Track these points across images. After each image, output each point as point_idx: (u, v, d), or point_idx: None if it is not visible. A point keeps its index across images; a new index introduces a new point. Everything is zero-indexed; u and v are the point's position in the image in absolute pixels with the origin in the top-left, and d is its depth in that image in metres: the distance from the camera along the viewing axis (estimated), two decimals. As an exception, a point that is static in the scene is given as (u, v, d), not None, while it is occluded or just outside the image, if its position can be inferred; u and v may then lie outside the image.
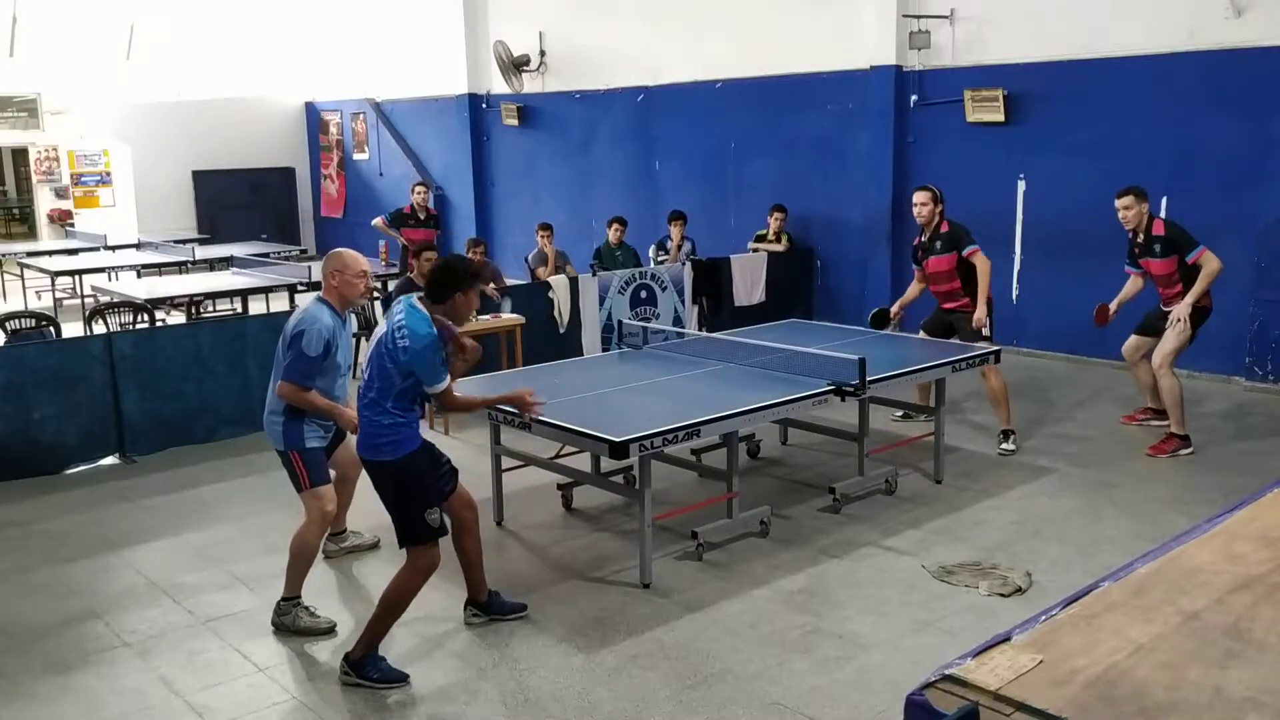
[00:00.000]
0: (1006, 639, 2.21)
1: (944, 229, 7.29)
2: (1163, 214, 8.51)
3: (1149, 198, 7.14)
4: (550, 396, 5.55)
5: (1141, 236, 7.10)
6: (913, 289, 7.73)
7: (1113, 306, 7.39)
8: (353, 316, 10.46)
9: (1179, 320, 6.88)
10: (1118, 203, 7.08)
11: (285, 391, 4.74)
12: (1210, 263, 6.84)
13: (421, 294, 4.36)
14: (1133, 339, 7.44)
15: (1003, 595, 4.93)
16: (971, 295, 7.23)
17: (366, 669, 4.27)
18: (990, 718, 1.97)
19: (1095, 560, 5.21)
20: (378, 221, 11.66)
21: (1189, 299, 6.87)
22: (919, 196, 7.34)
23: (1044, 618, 2.32)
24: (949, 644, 4.32)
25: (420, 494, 4.27)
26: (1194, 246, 6.89)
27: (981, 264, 7.17)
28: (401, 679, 4.27)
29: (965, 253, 7.19)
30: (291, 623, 4.79)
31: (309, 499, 4.85)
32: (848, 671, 4.30)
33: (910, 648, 4.46)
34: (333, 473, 5.08)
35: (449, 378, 4.30)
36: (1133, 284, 7.36)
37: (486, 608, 4.81)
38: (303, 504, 4.90)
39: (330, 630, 4.79)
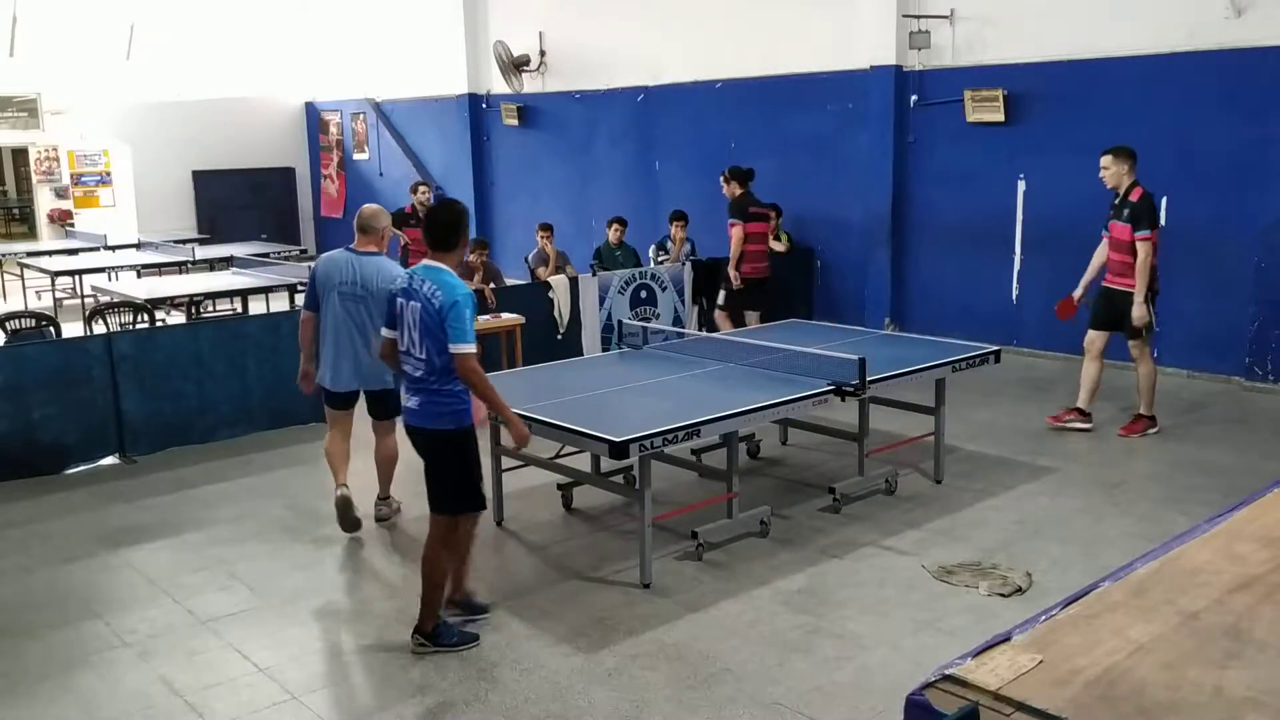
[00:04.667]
0: (1006, 639, 2.21)
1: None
2: (1163, 215, 8.52)
3: (1134, 159, 7.17)
4: (551, 398, 5.56)
5: (1118, 198, 7.21)
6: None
7: (1077, 294, 7.55)
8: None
9: (1141, 323, 7.11)
10: (1101, 161, 7.23)
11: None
12: (1143, 251, 7.01)
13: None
14: (1092, 333, 7.50)
15: (1003, 595, 4.93)
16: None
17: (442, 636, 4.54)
18: (990, 718, 1.97)
19: (1095, 560, 5.21)
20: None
21: (1138, 298, 7.04)
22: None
23: (1044, 618, 2.32)
24: (949, 644, 4.31)
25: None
26: (1143, 228, 7.02)
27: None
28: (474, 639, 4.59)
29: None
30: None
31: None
32: (848, 671, 4.30)
33: (910, 648, 4.46)
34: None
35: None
36: (1100, 251, 7.47)
37: None
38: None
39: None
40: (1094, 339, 7.46)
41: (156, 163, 17.48)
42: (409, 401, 4.49)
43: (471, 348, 4.29)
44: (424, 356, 4.34)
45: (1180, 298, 8.84)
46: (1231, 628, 2.26)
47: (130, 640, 4.72)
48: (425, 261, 4.45)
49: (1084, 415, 7.53)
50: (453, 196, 16.00)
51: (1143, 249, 7.00)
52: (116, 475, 7.08)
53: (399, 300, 4.44)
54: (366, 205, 5.99)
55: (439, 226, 4.47)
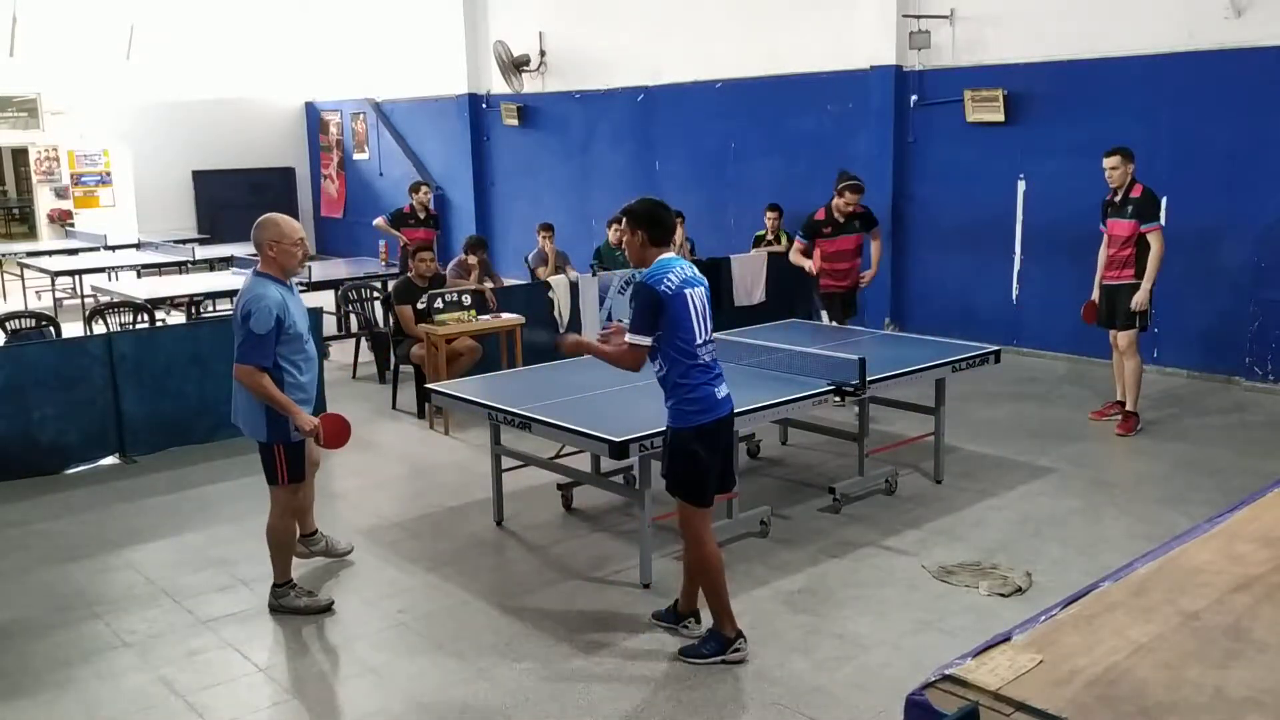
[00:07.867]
0: (1006, 639, 2.21)
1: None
2: (1163, 215, 8.52)
3: (1134, 160, 7.29)
4: (551, 397, 5.56)
5: (1119, 196, 7.30)
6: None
7: (1096, 296, 7.56)
8: (353, 317, 10.55)
9: (1140, 308, 7.24)
10: (1105, 162, 7.31)
11: (240, 374, 4.62)
12: (1157, 244, 7.15)
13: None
14: (1111, 333, 7.54)
15: (1003, 595, 4.93)
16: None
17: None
18: (990, 718, 1.97)
19: (1095, 560, 5.21)
20: (379, 221, 11.67)
21: (1146, 285, 7.20)
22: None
23: (1044, 618, 2.32)
24: (949, 644, 4.31)
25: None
26: (1152, 220, 7.18)
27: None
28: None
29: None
30: (290, 604, 4.92)
31: (281, 493, 4.85)
32: (848, 671, 4.30)
33: (910, 648, 4.47)
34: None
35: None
36: (1104, 250, 7.52)
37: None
38: (271, 497, 4.89)
39: (328, 608, 4.92)
40: (1114, 336, 7.53)
41: (156, 163, 17.47)
42: (725, 390, 4.33)
43: None
44: (713, 336, 4.27)
45: (1180, 298, 8.85)
46: (1231, 628, 2.26)
47: (130, 640, 4.72)
48: (664, 256, 4.24)
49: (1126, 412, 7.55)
50: (452, 195, 16.08)
51: (1156, 240, 7.16)
52: (116, 475, 7.08)
53: (685, 292, 4.16)
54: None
55: (654, 222, 4.29)
